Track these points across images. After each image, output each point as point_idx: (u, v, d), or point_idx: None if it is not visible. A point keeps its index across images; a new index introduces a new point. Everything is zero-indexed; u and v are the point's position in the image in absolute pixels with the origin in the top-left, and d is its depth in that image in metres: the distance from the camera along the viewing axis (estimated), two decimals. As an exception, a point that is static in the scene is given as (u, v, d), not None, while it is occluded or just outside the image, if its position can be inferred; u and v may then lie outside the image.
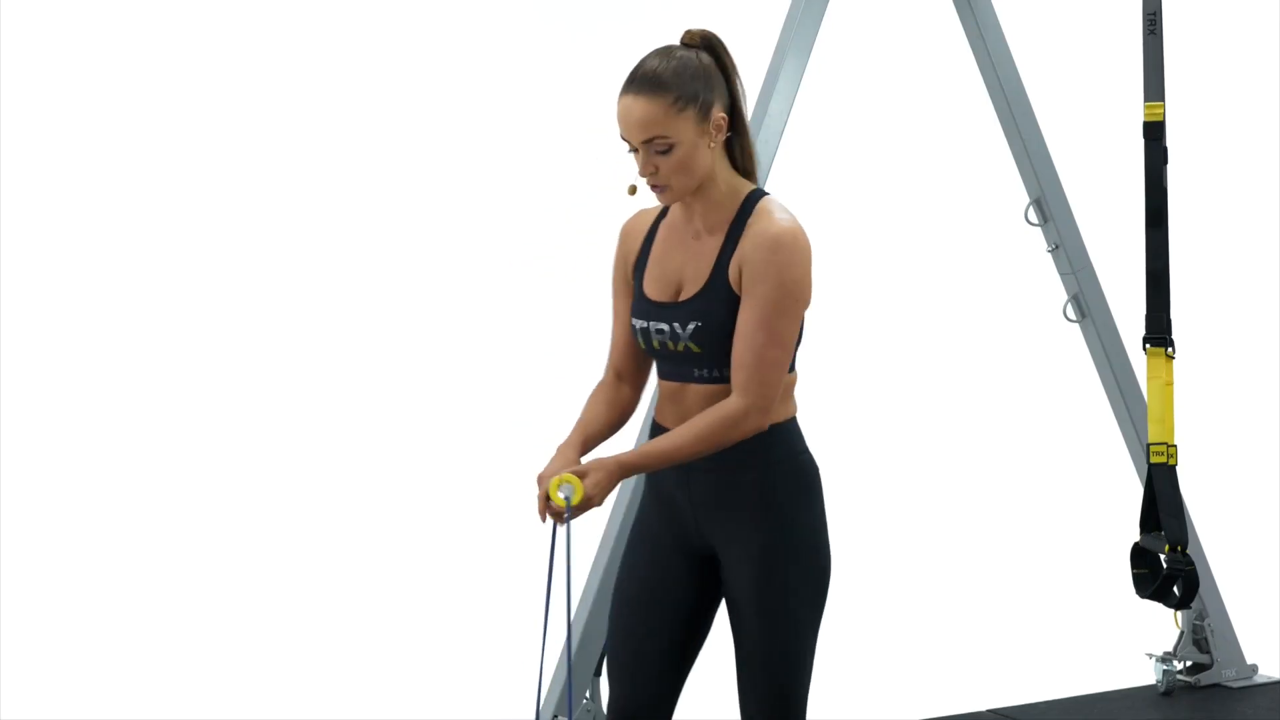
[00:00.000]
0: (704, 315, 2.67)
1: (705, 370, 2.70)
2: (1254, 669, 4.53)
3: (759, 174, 3.83)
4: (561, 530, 2.63)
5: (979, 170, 5.11)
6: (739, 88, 2.72)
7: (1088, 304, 4.39)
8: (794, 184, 4.27)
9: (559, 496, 2.61)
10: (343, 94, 5.99)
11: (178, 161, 5.88)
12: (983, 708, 4.32)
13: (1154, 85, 4.13)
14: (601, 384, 2.88)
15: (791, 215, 2.69)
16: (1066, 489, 5.80)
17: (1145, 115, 4.14)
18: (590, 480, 2.60)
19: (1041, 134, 4.33)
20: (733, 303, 2.65)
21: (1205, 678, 4.47)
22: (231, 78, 5.90)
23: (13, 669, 4.68)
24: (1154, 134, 4.13)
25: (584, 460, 2.71)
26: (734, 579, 2.73)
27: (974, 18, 4.24)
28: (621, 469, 2.63)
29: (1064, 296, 4.43)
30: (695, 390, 2.71)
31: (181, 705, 4.52)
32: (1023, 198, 4.39)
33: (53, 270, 5.79)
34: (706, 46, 2.71)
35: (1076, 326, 4.45)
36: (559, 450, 2.75)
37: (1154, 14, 4.12)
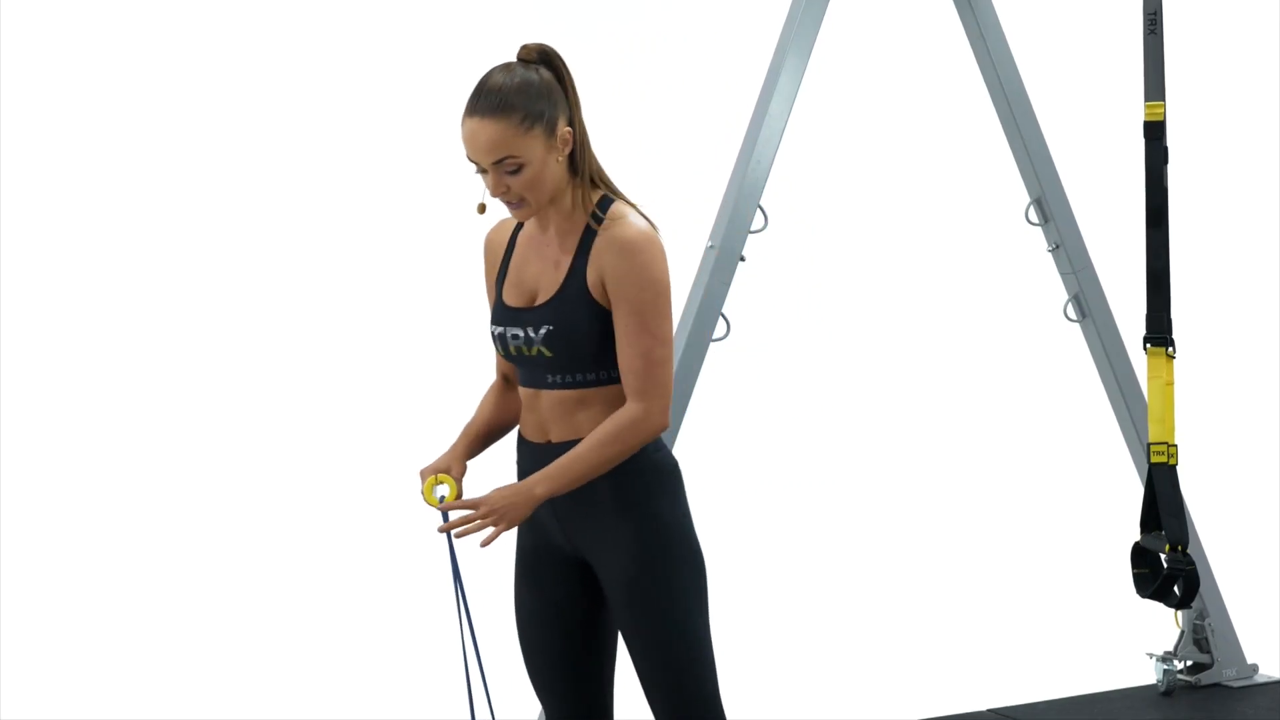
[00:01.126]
0: (555, 320, 2.70)
1: (557, 376, 2.73)
2: (1254, 669, 4.53)
3: (758, 174, 3.85)
4: (455, 537, 2.70)
5: (980, 170, 5.11)
6: (577, 100, 2.75)
7: (1088, 304, 4.39)
8: (795, 183, 4.27)
9: (434, 497, 2.74)
10: (342, 94, 5.99)
11: (177, 162, 5.88)
12: (983, 707, 4.32)
13: (1154, 85, 4.13)
14: (491, 387, 2.96)
15: (641, 218, 2.73)
16: (1067, 489, 5.80)
17: (1146, 115, 4.14)
18: (503, 510, 2.64)
19: (1042, 133, 4.33)
20: (588, 308, 2.69)
21: (1206, 677, 4.47)
22: (231, 78, 5.90)
23: (13, 669, 4.68)
24: (1154, 134, 4.13)
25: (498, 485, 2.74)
26: (608, 583, 2.76)
27: (974, 17, 4.24)
28: (533, 497, 2.66)
29: (1064, 296, 4.43)
30: (548, 396, 2.75)
31: (181, 705, 4.52)
32: (1023, 197, 4.38)
33: (52, 270, 5.79)
34: (544, 61, 2.74)
35: (1077, 326, 4.45)
36: (445, 452, 2.84)
37: (1154, 13, 4.12)
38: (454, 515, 2.69)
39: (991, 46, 4.25)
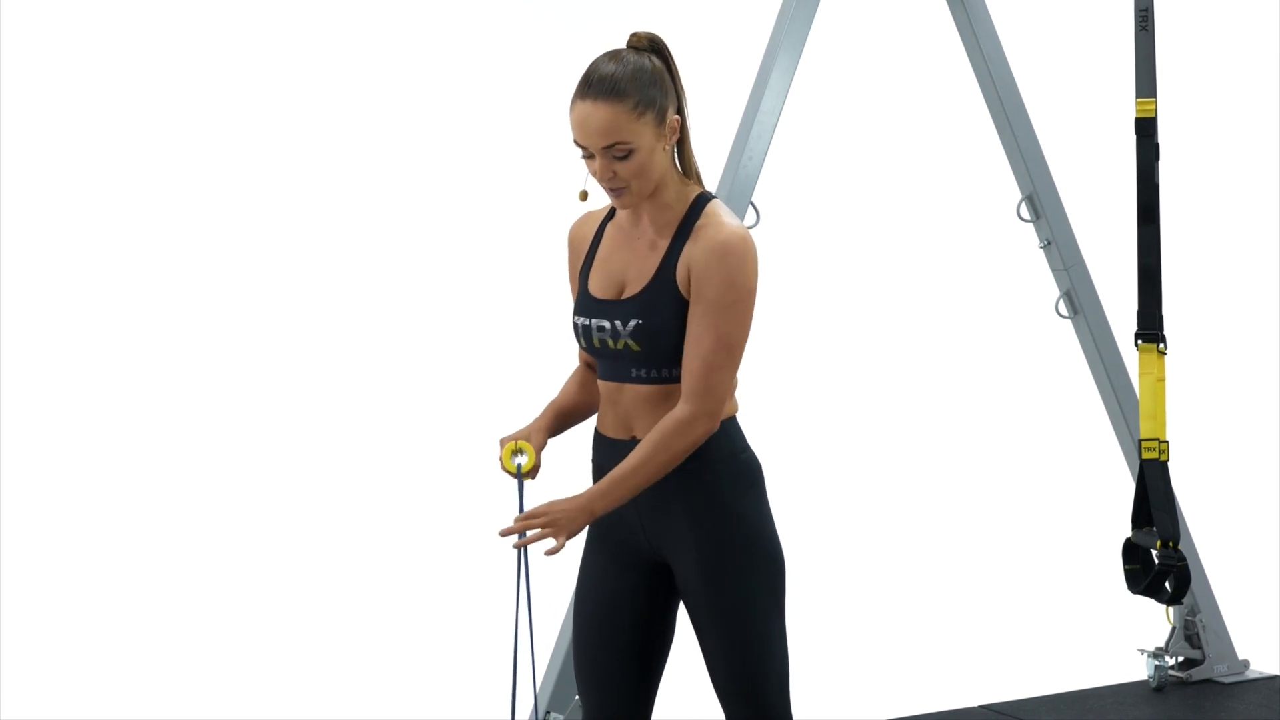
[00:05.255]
0: (645, 313, 2.67)
1: (643, 370, 2.70)
2: (1245, 664, 4.54)
3: (750, 170, 3.86)
4: (515, 546, 2.67)
5: (971, 166, 5.12)
6: (683, 90, 2.73)
7: (1080, 300, 4.39)
8: (786, 180, 4.28)
9: (511, 464, 2.73)
10: (342, 94, 5.99)
11: (177, 163, 5.88)
12: (975, 704, 4.32)
13: (1145, 81, 4.13)
14: (575, 370, 2.92)
15: (739, 221, 2.72)
16: (1058, 485, 5.81)
17: (1137, 111, 4.15)
18: (561, 522, 2.61)
19: (1033, 130, 4.33)
20: (677, 303, 2.66)
21: (1197, 673, 4.48)
22: (231, 79, 5.90)
23: (13, 669, 4.67)
24: (1145, 130, 4.14)
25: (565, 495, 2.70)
26: (687, 581, 2.73)
27: (966, 14, 4.24)
28: (590, 512, 2.64)
29: (1056, 293, 4.43)
30: (632, 391, 2.72)
31: (182, 705, 4.51)
32: (1015, 194, 4.39)
33: (53, 271, 5.78)
34: (654, 49, 2.71)
35: (1069, 323, 4.46)
36: (528, 424, 2.81)
37: (1145, 10, 4.12)
38: (516, 523, 2.64)
39: (983, 43, 4.26)
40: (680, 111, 2.71)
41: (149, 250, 5.86)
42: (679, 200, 2.71)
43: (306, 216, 5.98)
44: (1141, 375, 4.16)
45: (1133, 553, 4.18)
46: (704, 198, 2.72)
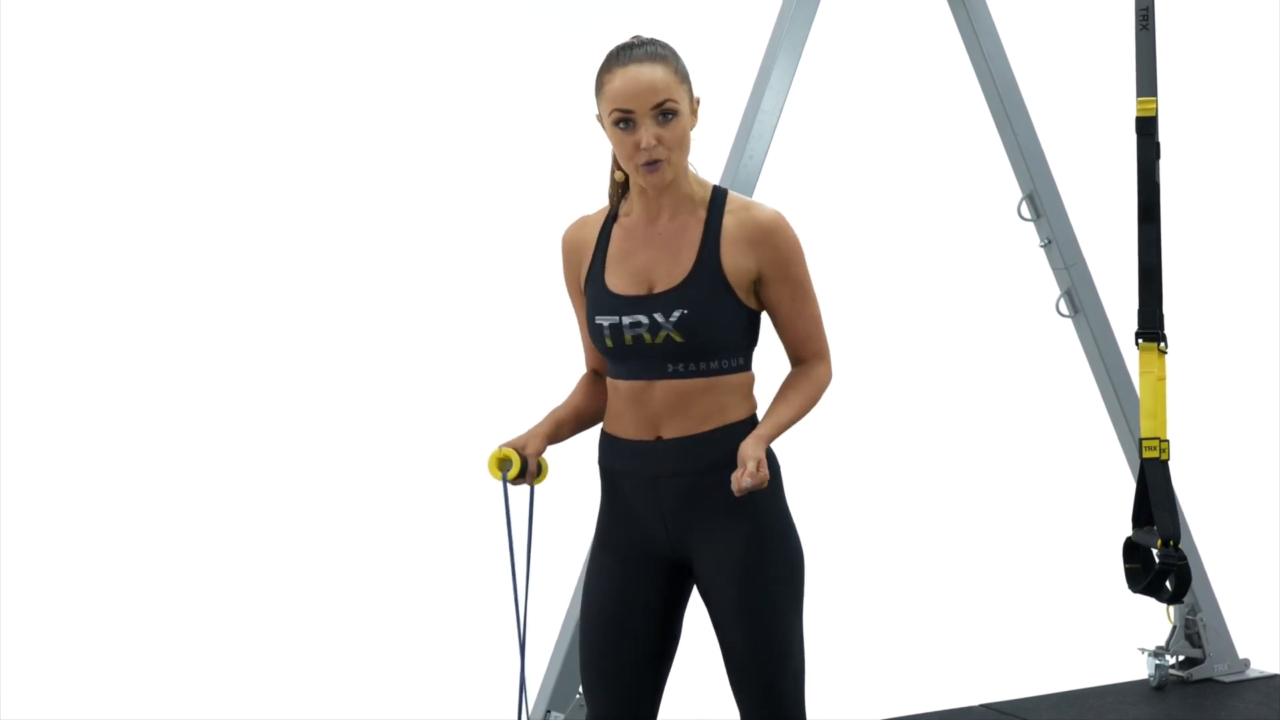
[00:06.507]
0: (689, 303, 2.66)
1: (681, 365, 2.68)
2: (1246, 663, 4.54)
3: (751, 169, 3.86)
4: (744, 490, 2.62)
5: (972, 166, 5.11)
6: None
7: (1080, 299, 4.40)
8: (787, 179, 4.28)
9: (497, 471, 2.72)
10: (342, 95, 5.99)
11: (177, 163, 5.88)
12: (975, 702, 4.33)
13: (1146, 80, 4.14)
14: (583, 378, 2.91)
15: None
16: (1059, 484, 5.81)
17: (1137, 110, 4.15)
18: (765, 458, 2.62)
19: (1034, 129, 4.34)
20: (724, 292, 2.67)
21: (1197, 672, 4.48)
22: (232, 80, 5.90)
23: (13, 669, 4.67)
24: (1146, 129, 4.14)
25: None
26: (713, 579, 2.72)
27: (967, 13, 4.25)
28: (766, 438, 2.67)
29: (1057, 292, 4.43)
30: (665, 387, 2.70)
31: (182, 705, 4.52)
32: (1015, 193, 4.39)
33: (53, 271, 5.79)
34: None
35: (1069, 321, 4.46)
36: (527, 430, 2.79)
37: (1146, 9, 4.12)
38: (739, 475, 2.59)
39: (984, 42, 4.26)
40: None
41: (151, 251, 5.86)
42: (701, 188, 2.73)
43: (307, 218, 5.98)
44: (1142, 374, 4.16)
45: (1133, 551, 4.18)
46: (721, 188, 2.75)
